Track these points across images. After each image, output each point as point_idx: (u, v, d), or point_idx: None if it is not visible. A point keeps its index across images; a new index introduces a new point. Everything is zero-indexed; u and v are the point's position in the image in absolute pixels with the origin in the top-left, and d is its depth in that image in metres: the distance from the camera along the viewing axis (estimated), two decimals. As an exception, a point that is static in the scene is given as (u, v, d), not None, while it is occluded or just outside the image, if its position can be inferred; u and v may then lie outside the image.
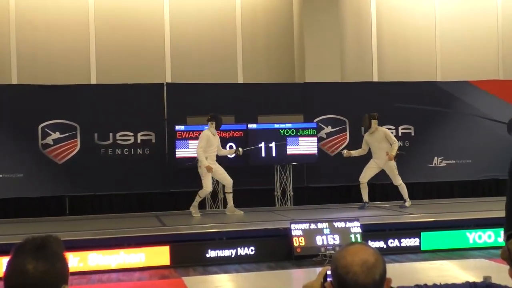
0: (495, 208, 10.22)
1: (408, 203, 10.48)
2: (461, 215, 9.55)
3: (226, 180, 10.08)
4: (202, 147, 9.75)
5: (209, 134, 9.89)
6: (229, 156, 10.52)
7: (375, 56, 12.98)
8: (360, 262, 1.96)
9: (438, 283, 2.75)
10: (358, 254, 1.99)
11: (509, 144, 12.32)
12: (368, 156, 10.58)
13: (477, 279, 3.13)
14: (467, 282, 2.79)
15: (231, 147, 10.80)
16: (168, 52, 12.10)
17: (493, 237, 8.85)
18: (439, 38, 13.23)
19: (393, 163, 10.31)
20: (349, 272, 1.95)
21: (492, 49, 13.45)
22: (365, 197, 10.49)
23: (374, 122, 10.37)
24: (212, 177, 10.05)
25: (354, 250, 2.01)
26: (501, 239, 8.77)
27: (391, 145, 10.29)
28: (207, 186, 9.87)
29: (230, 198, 10.16)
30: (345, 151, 10.65)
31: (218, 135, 10.21)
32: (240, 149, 10.39)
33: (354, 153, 10.66)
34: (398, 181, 10.45)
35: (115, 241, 8.06)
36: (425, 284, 2.71)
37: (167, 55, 12.10)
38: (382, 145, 10.34)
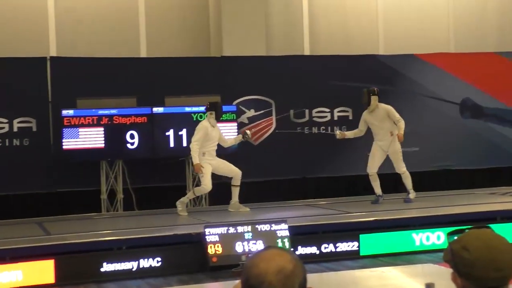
0: (447, 203, 10.56)
1: (412, 194, 10.67)
2: (406, 213, 9.75)
3: (233, 171, 10.14)
4: (198, 141, 9.75)
5: (208, 125, 9.89)
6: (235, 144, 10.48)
7: (306, 25, 13.04)
8: (275, 270, 1.97)
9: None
10: (274, 260, 1.99)
11: (462, 129, 12.70)
12: (347, 143, 10.68)
13: (422, 287, 3.13)
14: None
15: (132, 135, 10.60)
16: (52, 18, 11.72)
17: (442, 238, 9.05)
18: (382, 5, 13.43)
19: (398, 146, 10.50)
20: (263, 282, 1.96)
21: (442, 17, 13.76)
22: (378, 189, 10.64)
23: (374, 99, 10.49)
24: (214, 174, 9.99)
25: (269, 256, 2.01)
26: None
27: (395, 124, 10.42)
28: (206, 184, 9.88)
29: (236, 192, 10.22)
30: (338, 132, 10.81)
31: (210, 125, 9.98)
32: (248, 131, 10.45)
33: (349, 134, 10.79)
34: (401, 168, 10.61)
35: (-17, 255, 7.78)
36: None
37: (50, 22, 11.73)
38: (384, 124, 10.50)
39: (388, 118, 10.50)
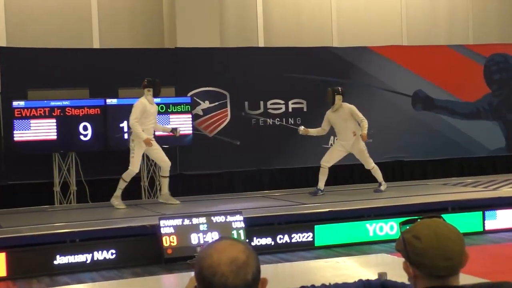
0: (399, 194, 10.69)
1: (383, 186, 10.77)
2: (360, 203, 9.84)
3: (163, 160, 10.00)
4: (137, 118, 9.63)
5: (146, 103, 9.78)
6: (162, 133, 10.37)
7: (260, 17, 13.04)
8: (228, 260, 1.97)
9: (328, 283, 2.73)
10: (226, 251, 1.99)
11: (415, 121, 12.86)
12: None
13: (375, 276, 3.16)
14: (360, 280, 2.82)
15: (85, 127, 10.50)
16: (2, 8, 11.49)
17: (395, 228, 9.16)
18: (335, -3, 13.49)
19: (362, 145, 10.54)
20: (216, 273, 1.96)
21: (395, 10, 13.89)
22: (322, 183, 10.66)
23: (338, 98, 10.49)
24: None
25: (221, 247, 2.02)
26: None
27: (359, 124, 10.44)
28: (134, 166, 9.79)
29: (165, 183, 10.12)
30: (301, 128, 10.79)
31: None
32: (178, 129, 10.30)
33: (312, 132, 10.80)
34: (370, 164, 10.69)
35: None
36: (312, 285, 2.70)
37: (0, 12, 11.48)
38: (348, 124, 10.51)
39: (352, 118, 10.55)
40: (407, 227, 2.39)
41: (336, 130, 10.76)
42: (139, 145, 9.72)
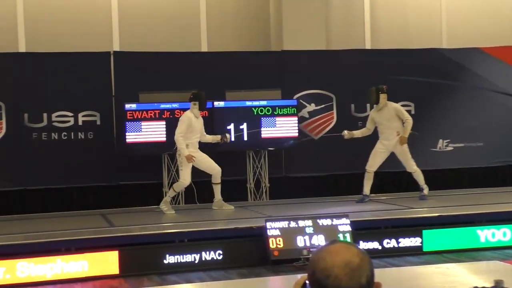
0: (511, 200, 10.34)
1: (426, 190, 10.54)
2: (470, 209, 9.60)
3: (214, 169, 10.05)
4: (182, 132, 9.70)
5: (192, 116, 9.83)
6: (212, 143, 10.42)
7: (367, 19, 12.93)
8: (342, 263, 1.97)
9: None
10: (340, 254, 1.99)
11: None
12: (372, 139, 10.54)
13: (489, 284, 3.08)
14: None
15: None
16: (116, 14, 11.90)
17: (508, 235, 8.90)
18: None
19: (405, 146, 10.35)
20: (329, 275, 1.96)
21: (507, 10, 13.46)
22: (367, 189, 10.52)
23: (382, 97, 10.36)
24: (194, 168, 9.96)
25: (335, 250, 2.02)
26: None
27: (403, 124, 10.29)
28: (185, 179, 9.83)
29: (218, 190, 10.17)
30: (346, 132, 10.63)
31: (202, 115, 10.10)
32: (227, 135, 10.32)
33: (357, 133, 10.67)
34: (412, 167, 10.48)
35: (50, 246, 7.96)
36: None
37: (114, 17, 11.90)
38: (392, 123, 10.36)
39: (396, 117, 10.31)
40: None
41: (379, 129, 10.48)
42: (186, 160, 9.71)
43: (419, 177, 10.52)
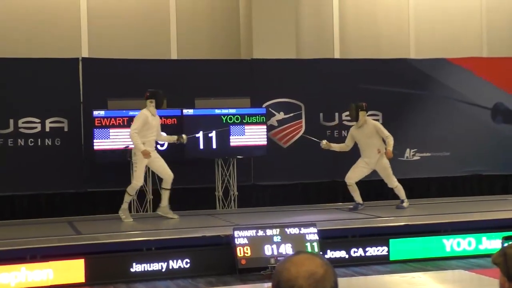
0: (478, 209, 10.47)
1: (406, 204, 10.60)
2: (437, 218, 9.68)
3: (166, 172, 9.93)
4: (137, 129, 9.56)
5: (148, 114, 9.72)
6: (163, 143, 10.41)
7: (336, 28, 13.02)
8: (306, 274, 1.98)
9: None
10: (304, 265, 2.00)
11: (494, 134, 12.57)
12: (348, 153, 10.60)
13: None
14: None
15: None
16: (85, 20, 11.84)
17: (474, 244, 8.98)
18: (413, 7, 13.35)
19: (386, 162, 10.42)
20: (294, 286, 1.97)
21: (474, 21, 13.65)
22: (358, 198, 10.59)
23: (362, 114, 10.39)
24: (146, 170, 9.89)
25: (299, 260, 2.03)
26: (483, 246, 8.92)
27: (383, 141, 10.33)
28: (138, 179, 9.72)
29: (166, 195, 10.02)
30: (324, 142, 10.66)
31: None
32: (184, 136, 10.18)
33: (335, 146, 10.69)
34: (393, 183, 10.57)
35: (15, 254, 7.88)
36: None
37: (83, 23, 11.85)
38: (372, 140, 10.40)
39: (376, 135, 10.39)
40: (510, 243, 2.36)
41: (360, 146, 10.56)
42: (141, 157, 9.59)
43: (400, 192, 10.62)
